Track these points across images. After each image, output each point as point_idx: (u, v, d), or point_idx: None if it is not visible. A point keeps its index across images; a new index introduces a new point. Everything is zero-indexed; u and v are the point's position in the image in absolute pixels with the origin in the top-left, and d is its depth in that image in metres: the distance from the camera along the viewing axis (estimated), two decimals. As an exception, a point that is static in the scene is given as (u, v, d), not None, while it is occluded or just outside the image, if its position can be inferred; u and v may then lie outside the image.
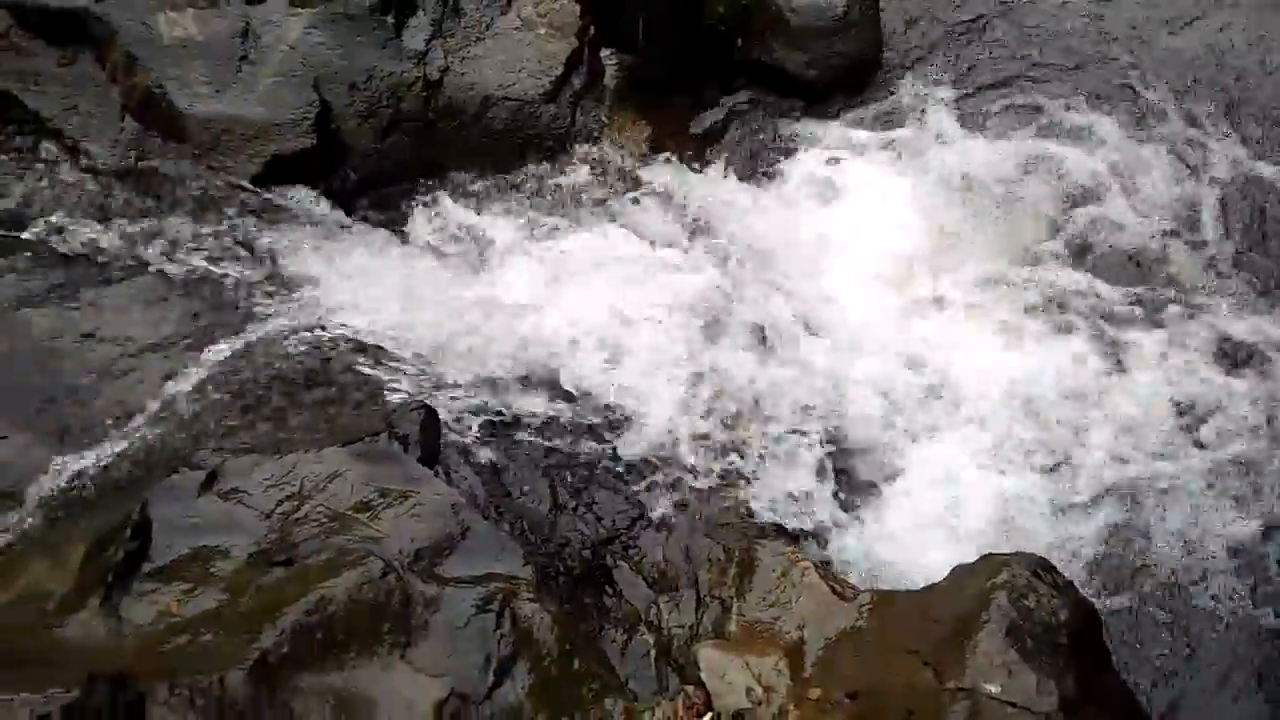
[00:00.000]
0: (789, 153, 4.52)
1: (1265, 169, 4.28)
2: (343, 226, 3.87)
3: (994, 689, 2.43)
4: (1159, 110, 4.53)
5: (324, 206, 3.85)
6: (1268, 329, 3.74)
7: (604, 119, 4.45)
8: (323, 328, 3.43)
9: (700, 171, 4.38)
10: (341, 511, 2.64)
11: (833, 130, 4.57)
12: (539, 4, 4.58)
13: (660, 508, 3.13)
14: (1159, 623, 3.05)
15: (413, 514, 2.65)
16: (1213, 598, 3.11)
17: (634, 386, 3.33)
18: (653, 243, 3.94)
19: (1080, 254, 4.03)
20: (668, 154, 4.40)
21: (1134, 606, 3.08)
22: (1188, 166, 4.28)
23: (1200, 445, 3.45)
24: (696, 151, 4.49)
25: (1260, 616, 3.06)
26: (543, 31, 4.50)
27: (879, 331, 3.79)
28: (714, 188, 4.25)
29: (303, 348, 3.38)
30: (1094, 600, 2.98)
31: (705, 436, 3.28)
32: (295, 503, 2.65)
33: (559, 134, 4.29)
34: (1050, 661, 2.45)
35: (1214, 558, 3.18)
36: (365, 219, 3.92)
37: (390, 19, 4.29)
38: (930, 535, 3.28)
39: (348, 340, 3.40)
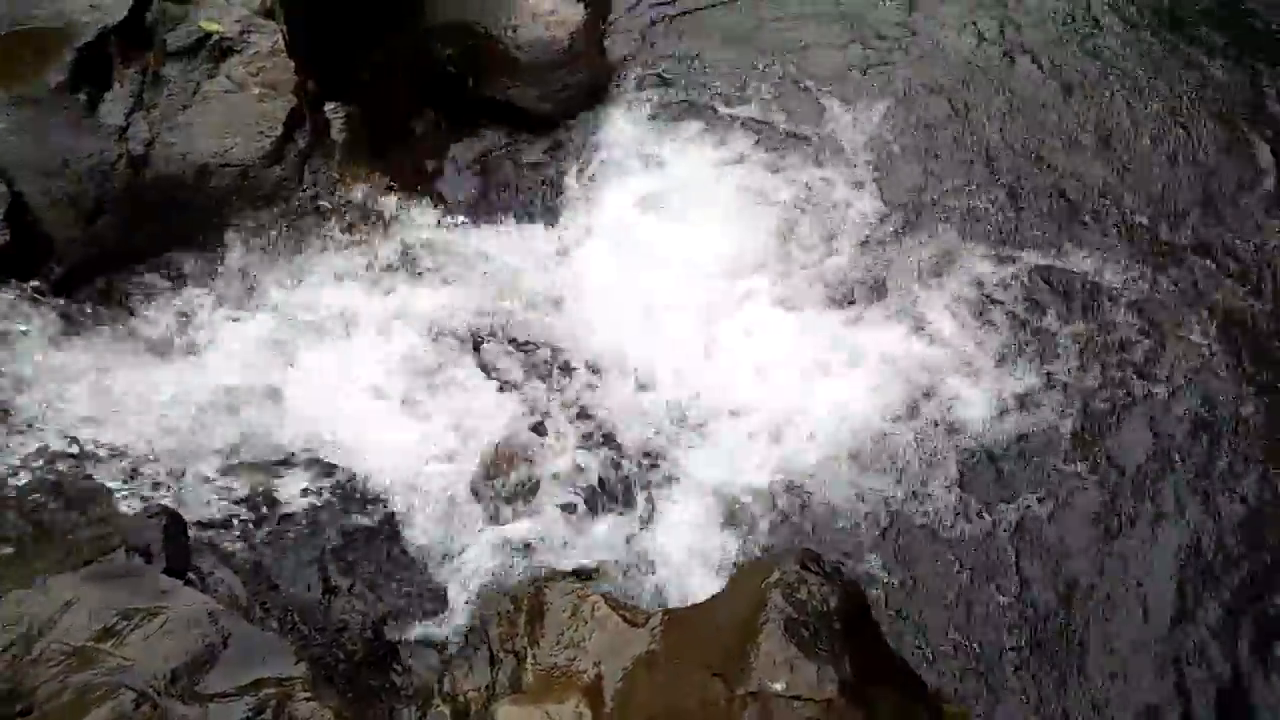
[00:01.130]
0: (529, 186, 4.54)
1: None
2: (58, 325, 3.55)
3: (779, 686, 2.50)
4: (848, 140, 4.85)
5: (31, 307, 3.52)
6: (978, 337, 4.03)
7: (335, 174, 4.30)
8: (45, 440, 3.13)
9: (443, 216, 4.33)
10: (80, 645, 2.40)
11: (569, 160, 4.63)
12: (249, 63, 4.38)
13: (441, 571, 3.05)
14: (926, 595, 3.25)
15: (164, 631, 2.44)
16: (971, 570, 3.34)
17: (395, 449, 3.23)
18: (394, 294, 3.85)
19: (793, 262, 4.21)
20: (406, 202, 4.33)
21: (899, 583, 3.26)
22: (866, 186, 4.60)
23: (954, 430, 3.65)
24: (436, 196, 4.44)
25: (1002, 585, 3.30)
26: (256, 92, 4.31)
27: (641, 352, 3.85)
28: (460, 234, 4.21)
29: (28, 466, 3.08)
30: (865, 580, 3.15)
31: (477, 492, 3.22)
32: (24, 645, 2.39)
33: (287, 195, 4.11)
34: (827, 650, 2.55)
35: (974, 534, 3.41)
36: (83, 314, 3.61)
37: (82, 96, 3.99)
38: (712, 541, 3.36)
39: (77, 451, 3.13)
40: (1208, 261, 4.20)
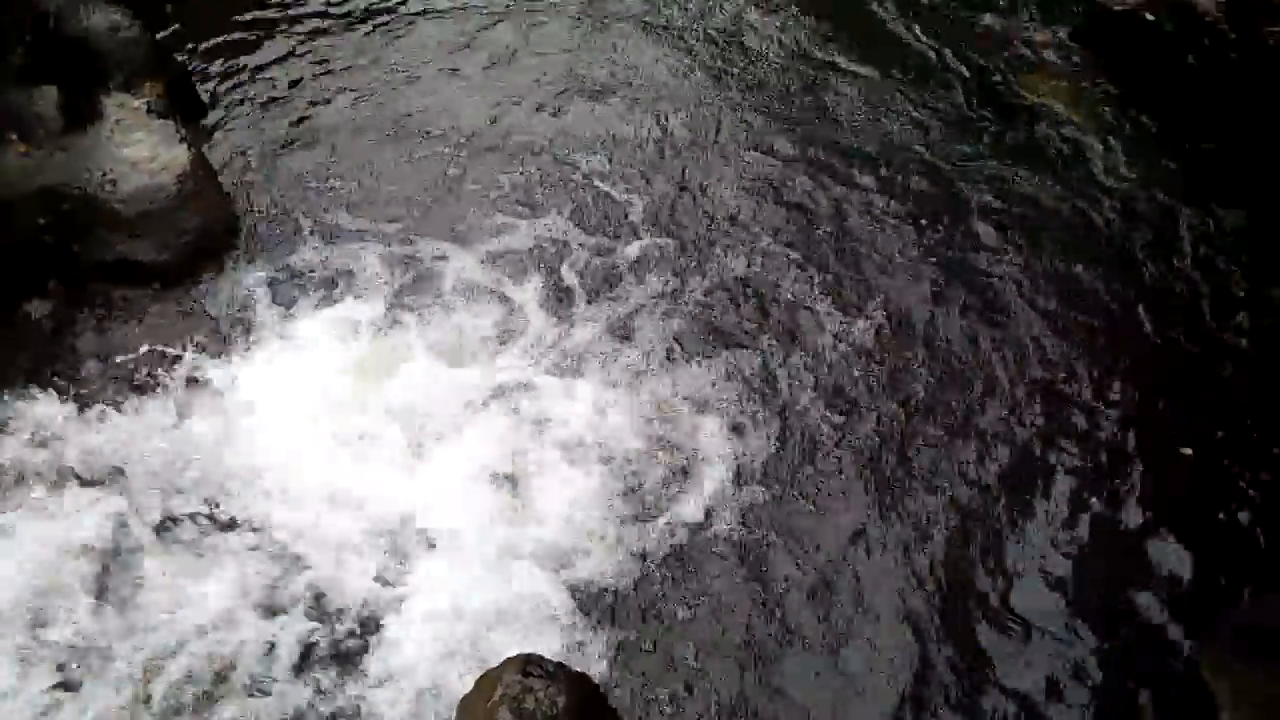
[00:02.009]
0: (162, 349, 4.22)
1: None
2: None
3: (526, 806, 2.46)
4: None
5: None
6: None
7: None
8: None
9: (64, 395, 3.92)
10: None
11: (200, 315, 4.39)
12: None
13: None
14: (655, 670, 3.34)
15: None
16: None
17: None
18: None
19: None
20: (17, 388, 3.88)
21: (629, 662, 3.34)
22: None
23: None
24: (48, 375, 4.03)
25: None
26: None
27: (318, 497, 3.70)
28: (85, 423, 3.84)
29: None
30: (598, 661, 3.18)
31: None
32: None
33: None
34: (565, 753, 2.54)
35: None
36: None
37: None
38: (440, 668, 3.26)
39: None
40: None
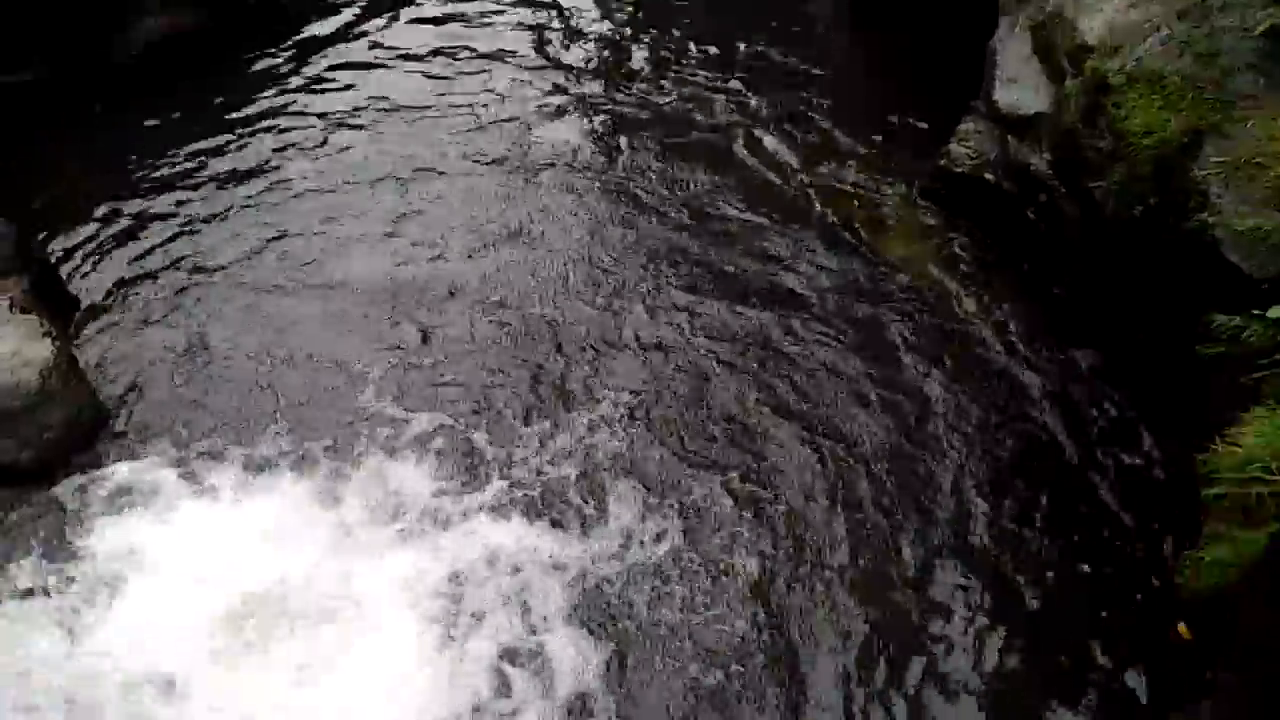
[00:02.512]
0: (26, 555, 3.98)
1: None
2: None
3: None
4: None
5: None
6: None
7: None
8: None
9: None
10: None
11: (68, 518, 4.17)
12: None
13: None
14: None
15: None
16: None
17: None
18: None
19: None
20: None
21: None
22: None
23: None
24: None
25: None
26: None
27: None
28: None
29: None
30: None
31: None
32: None
33: None
34: None
35: None
36: None
37: None
38: None
39: None
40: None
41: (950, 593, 4.19)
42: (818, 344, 5.29)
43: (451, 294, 5.41)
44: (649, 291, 5.55)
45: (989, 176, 5.86)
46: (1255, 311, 3.67)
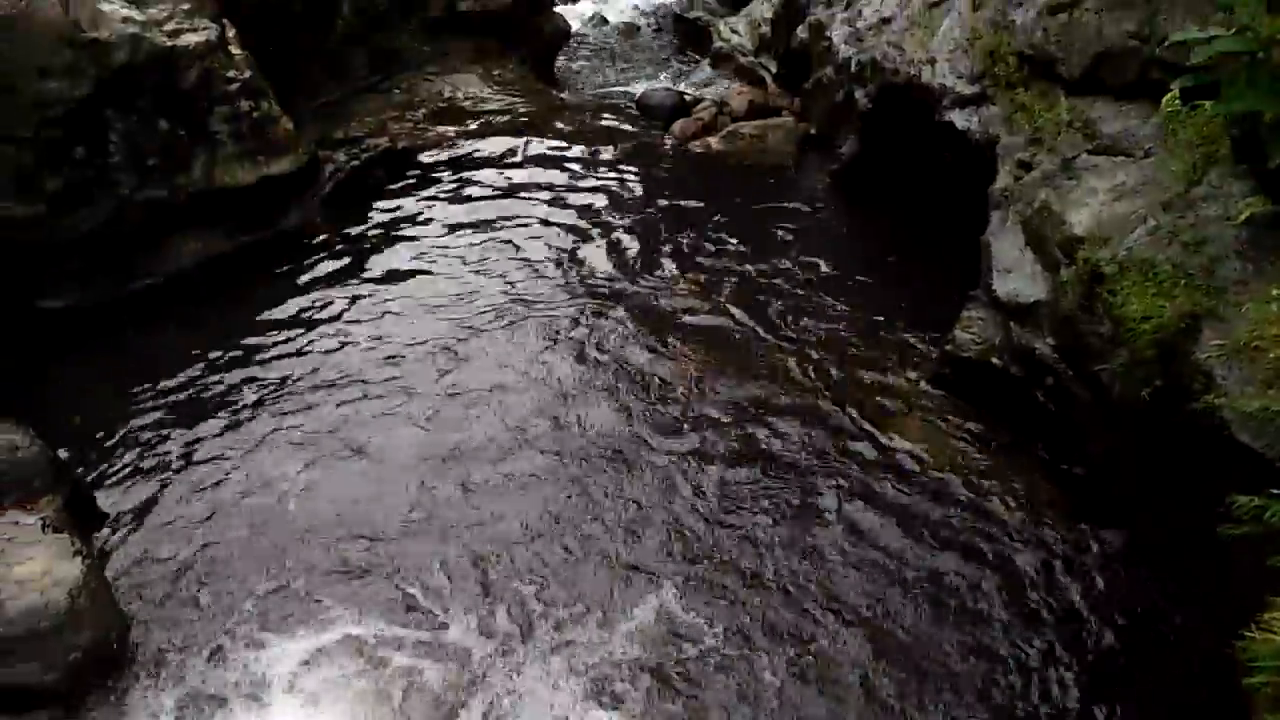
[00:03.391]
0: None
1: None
2: None
3: None
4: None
5: None
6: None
7: None
8: None
9: None
10: None
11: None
12: None
13: None
14: None
15: None
16: None
17: None
18: None
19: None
20: None
21: None
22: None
23: None
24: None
25: None
26: None
27: None
28: None
29: None
30: None
31: None
32: None
33: None
34: None
35: None
36: None
37: None
38: None
39: None
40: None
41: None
42: (841, 539, 5.30)
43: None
44: (670, 521, 5.54)
45: (996, 361, 6.02)
46: (1274, 491, 3.70)
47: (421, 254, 7.79)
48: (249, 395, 6.33)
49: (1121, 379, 4.94)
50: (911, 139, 8.53)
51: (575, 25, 13.86)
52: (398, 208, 8.32)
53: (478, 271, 7.58)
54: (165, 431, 6.02)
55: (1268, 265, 4.57)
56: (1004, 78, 7.22)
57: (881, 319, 7.05)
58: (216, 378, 6.47)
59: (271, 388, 6.37)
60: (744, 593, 4.99)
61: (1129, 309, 4.87)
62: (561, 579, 5.03)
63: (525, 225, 8.18)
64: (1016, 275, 6.09)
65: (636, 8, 14.83)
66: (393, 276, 7.51)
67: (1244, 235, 4.79)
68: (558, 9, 12.92)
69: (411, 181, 8.62)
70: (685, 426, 6.07)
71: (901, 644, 4.72)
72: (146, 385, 6.35)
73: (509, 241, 7.96)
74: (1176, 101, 5.46)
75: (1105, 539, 5.21)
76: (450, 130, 9.34)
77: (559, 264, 7.73)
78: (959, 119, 7.40)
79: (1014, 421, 5.95)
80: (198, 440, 5.96)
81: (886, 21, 9.27)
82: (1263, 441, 3.96)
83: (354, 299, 7.27)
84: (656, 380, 6.45)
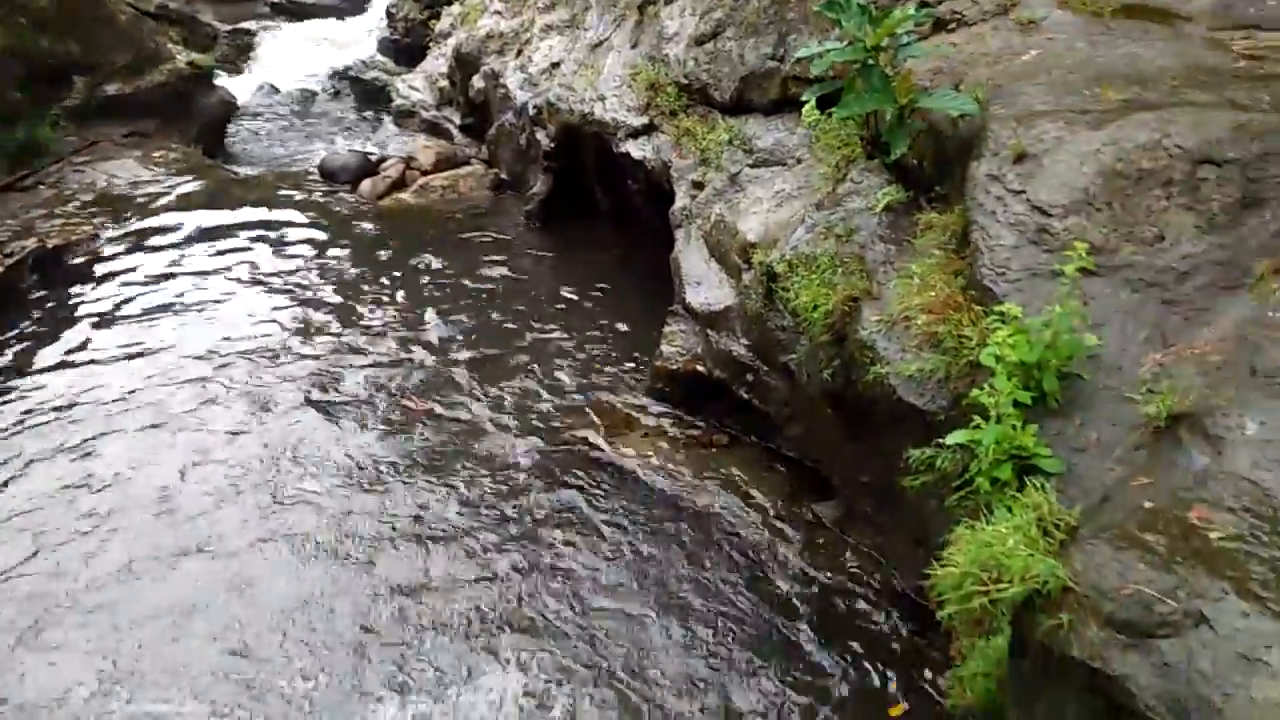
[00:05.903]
0: None
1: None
2: None
3: None
4: None
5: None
6: None
7: None
8: None
9: None
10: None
11: None
12: None
13: None
14: None
15: None
16: None
17: None
18: None
19: None
20: None
21: None
22: None
23: None
24: None
25: None
26: None
27: None
28: None
29: None
30: None
31: None
32: None
33: None
34: None
35: None
36: None
37: None
38: None
39: None
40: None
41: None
42: (572, 560, 5.38)
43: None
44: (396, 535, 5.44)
45: (701, 369, 6.37)
46: (940, 441, 4.15)
47: (82, 356, 7.13)
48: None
49: (806, 364, 5.38)
50: (598, 171, 8.91)
51: (244, 97, 13.36)
52: (53, 311, 7.58)
53: (150, 375, 6.98)
54: None
55: (907, 244, 5.14)
56: (666, 107, 7.71)
57: (596, 342, 7.28)
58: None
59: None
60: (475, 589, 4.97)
61: (801, 301, 5.31)
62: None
63: (200, 308, 7.72)
64: (706, 286, 6.50)
65: (312, 75, 14.51)
66: (48, 384, 6.82)
67: (884, 221, 5.36)
68: (220, 82, 12.39)
69: (68, 280, 7.90)
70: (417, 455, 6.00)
71: (629, 614, 4.89)
72: None
73: (184, 326, 7.48)
74: (815, 111, 6.07)
75: (821, 512, 5.62)
76: (107, 221, 8.67)
77: (243, 337, 7.35)
78: (634, 149, 7.81)
79: (728, 421, 6.31)
80: None
81: (556, 65, 9.67)
82: (924, 399, 4.44)
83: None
84: (387, 423, 6.31)
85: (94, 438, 6.24)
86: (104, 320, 7.55)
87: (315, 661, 4.71)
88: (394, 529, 5.57)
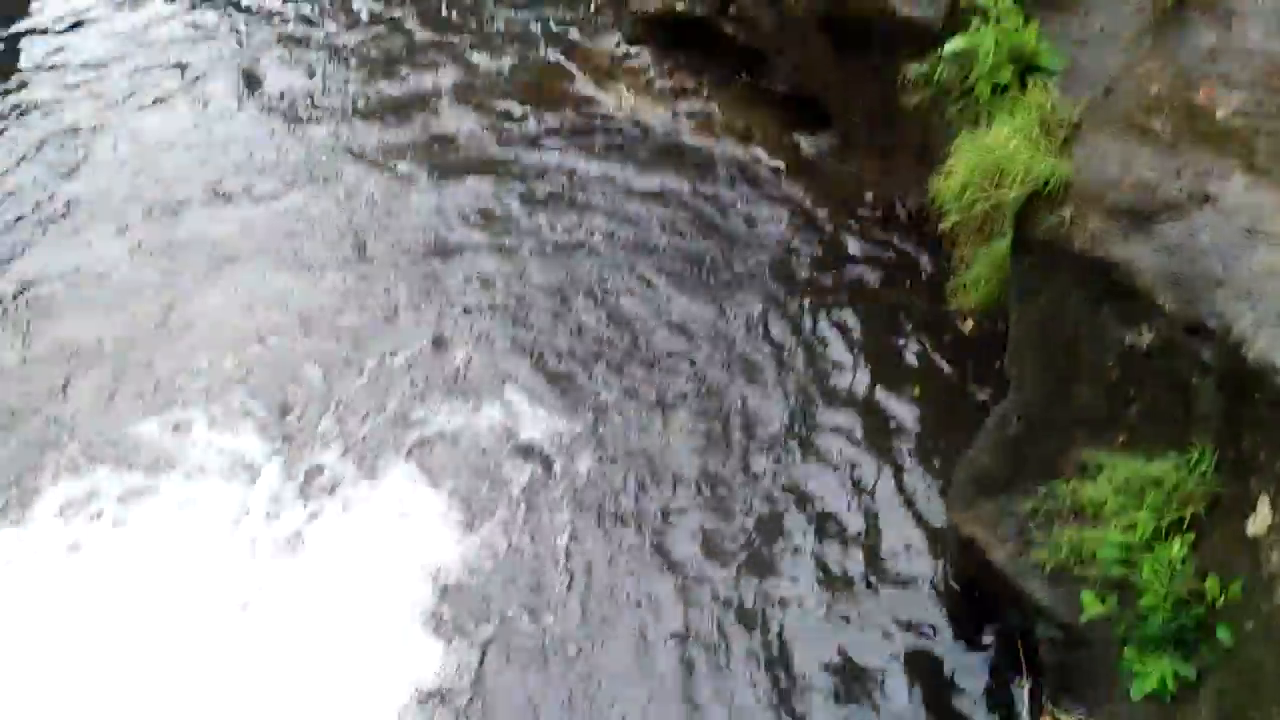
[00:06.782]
0: None
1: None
2: None
3: None
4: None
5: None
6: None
7: None
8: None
9: None
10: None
11: None
12: None
13: None
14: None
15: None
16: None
17: None
18: None
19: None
20: None
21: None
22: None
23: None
24: None
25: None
26: None
27: None
28: None
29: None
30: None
31: None
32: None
33: None
34: None
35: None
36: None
37: None
38: None
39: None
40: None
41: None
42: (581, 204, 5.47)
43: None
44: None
45: (680, 7, 5.99)
46: (937, 53, 3.99)
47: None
48: None
49: (794, -12, 5.04)
50: None
51: None
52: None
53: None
54: None
55: None
56: None
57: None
58: None
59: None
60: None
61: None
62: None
63: None
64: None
65: None
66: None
67: None
68: None
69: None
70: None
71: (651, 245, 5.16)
72: None
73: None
74: None
75: (818, 143, 5.55)
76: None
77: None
78: None
79: (713, 61, 6.03)
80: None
81: None
82: (920, 8, 4.21)
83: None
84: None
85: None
86: None
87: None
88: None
